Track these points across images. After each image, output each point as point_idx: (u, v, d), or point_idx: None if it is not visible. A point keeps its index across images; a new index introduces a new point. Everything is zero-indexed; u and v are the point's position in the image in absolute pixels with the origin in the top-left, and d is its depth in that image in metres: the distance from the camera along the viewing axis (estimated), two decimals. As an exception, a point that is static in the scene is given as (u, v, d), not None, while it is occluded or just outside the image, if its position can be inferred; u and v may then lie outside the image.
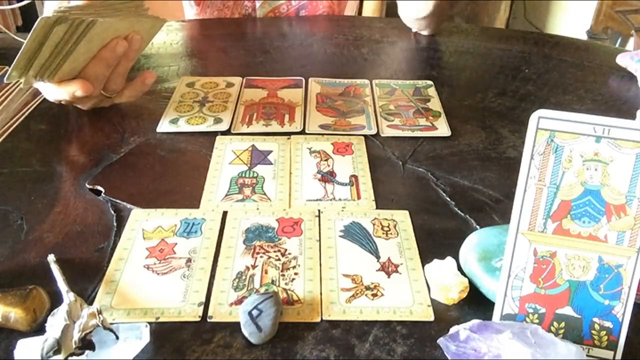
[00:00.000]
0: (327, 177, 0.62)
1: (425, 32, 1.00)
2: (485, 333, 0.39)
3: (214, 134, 0.69)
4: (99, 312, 0.40)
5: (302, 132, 0.70)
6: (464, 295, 0.46)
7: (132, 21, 0.67)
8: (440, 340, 0.41)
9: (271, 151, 0.66)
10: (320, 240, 0.53)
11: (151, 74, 0.72)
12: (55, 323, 0.40)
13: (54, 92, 0.67)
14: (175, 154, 0.66)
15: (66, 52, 0.61)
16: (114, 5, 0.65)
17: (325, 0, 1.13)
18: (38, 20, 0.57)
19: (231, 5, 1.11)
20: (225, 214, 0.56)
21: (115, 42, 0.65)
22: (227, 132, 0.70)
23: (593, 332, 0.41)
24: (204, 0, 1.11)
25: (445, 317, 0.46)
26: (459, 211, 0.57)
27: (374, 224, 0.55)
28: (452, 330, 0.41)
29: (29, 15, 1.95)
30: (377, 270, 0.50)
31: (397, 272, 0.50)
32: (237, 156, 0.65)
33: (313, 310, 0.46)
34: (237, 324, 0.44)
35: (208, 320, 0.45)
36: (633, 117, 0.71)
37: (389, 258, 0.51)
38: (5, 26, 1.70)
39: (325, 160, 0.65)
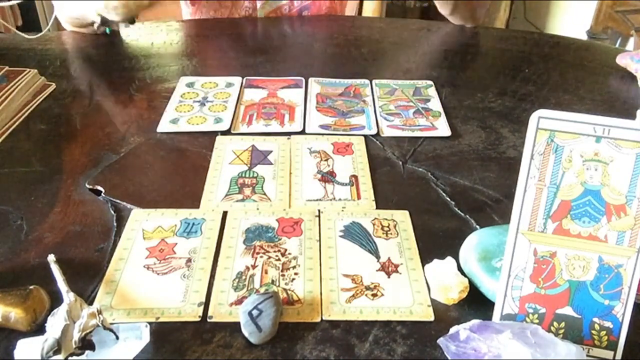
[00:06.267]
0: (327, 177, 0.62)
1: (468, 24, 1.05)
2: (485, 333, 0.39)
3: (214, 134, 0.69)
4: (99, 312, 0.40)
5: (302, 132, 0.70)
6: (464, 295, 0.46)
7: None
8: (440, 340, 0.41)
9: (271, 151, 0.66)
10: (320, 240, 0.53)
11: None
12: (55, 323, 0.40)
13: None
14: (175, 154, 0.66)
15: None
16: None
17: (328, 0, 1.12)
18: None
19: (229, 5, 1.11)
20: (225, 214, 0.56)
21: None
22: (227, 132, 0.70)
23: (593, 332, 0.41)
24: (200, 0, 1.11)
25: (445, 317, 0.46)
26: (459, 211, 0.57)
27: (374, 224, 0.55)
28: (452, 330, 0.41)
29: (29, 15, 1.95)
30: (377, 270, 0.50)
31: (397, 272, 0.50)
32: (237, 156, 0.65)
33: (313, 310, 0.46)
34: (237, 324, 0.44)
35: (208, 320, 0.45)
36: (633, 117, 0.71)
37: (389, 258, 0.51)
38: (5, 26, 1.70)
39: (325, 160, 0.65)
